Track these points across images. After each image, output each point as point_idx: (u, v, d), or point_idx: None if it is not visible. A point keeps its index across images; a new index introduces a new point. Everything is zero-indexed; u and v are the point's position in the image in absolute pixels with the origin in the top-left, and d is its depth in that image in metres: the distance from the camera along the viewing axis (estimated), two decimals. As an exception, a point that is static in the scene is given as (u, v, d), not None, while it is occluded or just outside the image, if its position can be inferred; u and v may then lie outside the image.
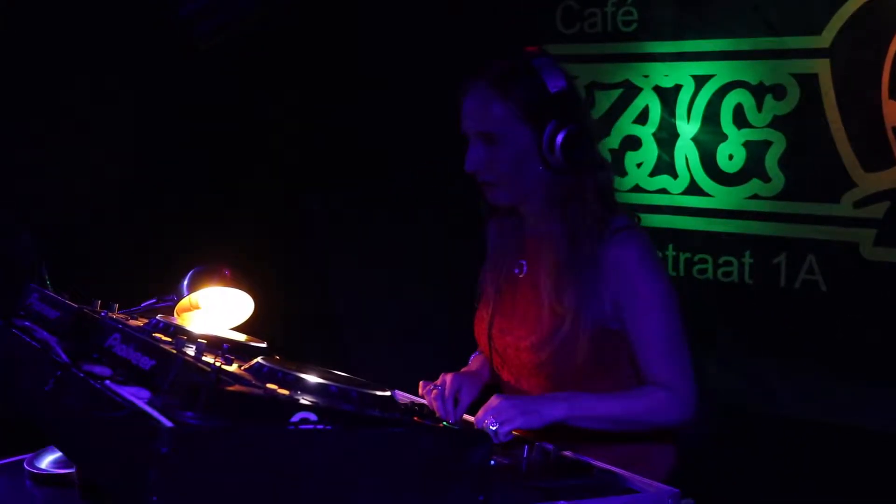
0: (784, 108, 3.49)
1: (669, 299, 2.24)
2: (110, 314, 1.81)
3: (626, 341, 2.22)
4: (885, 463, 3.31)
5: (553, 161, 2.18)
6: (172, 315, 2.12)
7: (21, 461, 2.09)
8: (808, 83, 3.44)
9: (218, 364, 1.33)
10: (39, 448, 2.13)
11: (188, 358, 1.36)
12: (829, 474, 3.47)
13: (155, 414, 1.22)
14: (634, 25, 3.80)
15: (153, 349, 1.43)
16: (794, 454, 3.58)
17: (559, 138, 2.15)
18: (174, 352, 1.39)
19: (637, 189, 3.85)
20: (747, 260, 3.62)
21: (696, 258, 3.72)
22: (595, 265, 2.18)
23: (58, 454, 2.11)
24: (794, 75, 3.47)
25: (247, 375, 1.44)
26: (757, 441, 3.65)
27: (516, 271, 2.35)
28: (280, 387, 1.41)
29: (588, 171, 2.22)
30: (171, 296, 2.20)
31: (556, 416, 2.06)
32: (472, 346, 2.60)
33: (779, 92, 3.50)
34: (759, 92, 3.54)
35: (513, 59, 2.24)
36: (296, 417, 1.30)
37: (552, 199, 2.24)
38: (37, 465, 2.07)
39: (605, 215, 2.21)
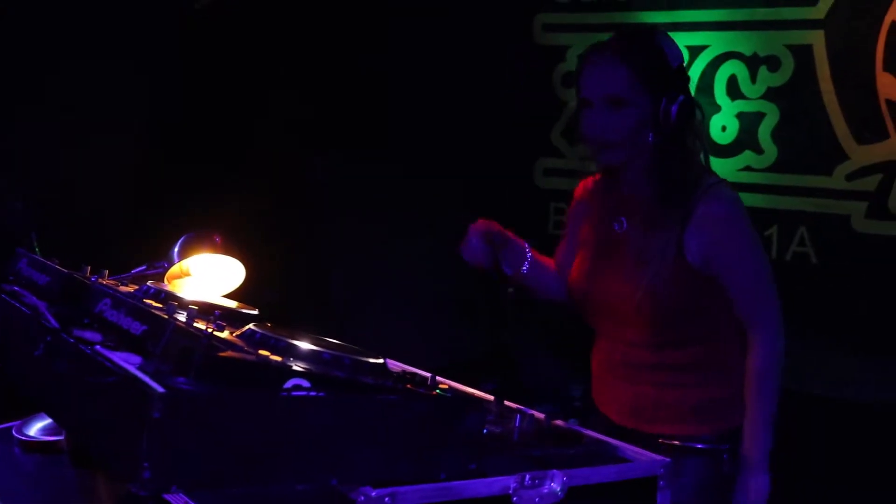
0: (778, 79, 3.49)
1: (757, 248, 2.43)
2: (100, 280, 1.79)
3: (721, 288, 2.36)
4: (874, 434, 3.33)
5: (666, 129, 2.34)
6: (163, 282, 2.10)
7: (10, 428, 2.08)
8: (803, 55, 3.43)
9: (210, 330, 1.31)
10: (28, 415, 2.12)
11: (180, 323, 1.34)
12: (816, 445, 3.49)
13: (146, 379, 1.20)
14: (628, -6, 3.79)
15: (144, 314, 1.41)
16: (782, 425, 3.59)
17: (674, 108, 2.32)
18: (166, 317, 1.37)
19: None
20: (739, 231, 3.62)
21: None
22: (683, 218, 2.33)
23: (46, 421, 2.10)
24: (789, 46, 3.46)
25: (239, 342, 1.43)
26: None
27: (616, 227, 2.47)
28: (272, 353, 1.40)
29: (691, 141, 2.40)
30: (161, 262, 2.18)
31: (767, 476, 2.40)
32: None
33: (773, 63, 3.49)
34: (753, 63, 3.53)
35: (637, 33, 2.43)
36: (289, 384, 1.29)
37: (655, 162, 2.38)
38: (25, 432, 2.06)
39: (698, 177, 2.38)
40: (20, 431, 2.06)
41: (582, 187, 2.65)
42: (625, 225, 2.46)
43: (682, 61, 2.38)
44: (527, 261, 2.55)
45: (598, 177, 2.58)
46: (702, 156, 2.44)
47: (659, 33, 2.39)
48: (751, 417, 2.39)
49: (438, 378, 1.91)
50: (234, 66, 4.44)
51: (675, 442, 2.35)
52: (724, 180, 2.43)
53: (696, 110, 2.40)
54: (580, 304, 2.55)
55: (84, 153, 3.89)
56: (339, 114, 4.60)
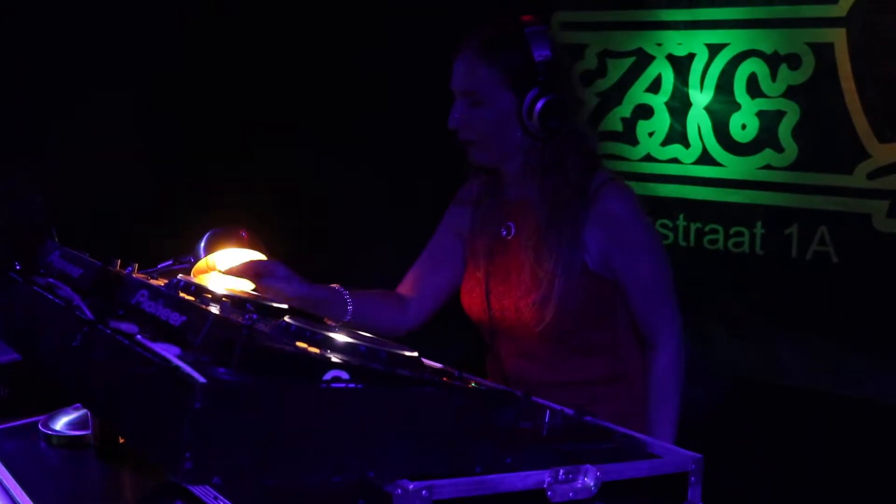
0: (798, 77, 3.48)
1: (657, 246, 2.38)
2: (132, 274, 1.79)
3: (618, 290, 2.32)
4: (894, 435, 3.32)
5: (532, 128, 2.26)
6: (190, 276, 2.10)
7: (36, 423, 2.08)
8: (824, 52, 3.42)
9: (250, 321, 1.31)
10: (54, 409, 2.12)
11: (220, 315, 1.34)
12: (837, 446, 3.48)
13: (188, 369, 1.20)
14: (648, -8, 3.78)
15: (184, 305, 1.41)
16: (802, 425, 3.59)
17: (538, 106, 2.23)
18: (205, 308, 1.37)
19: (648, 158, 3.83)
20: (759, 230, 3.61)
21: (707, 228, 3.71)
22: (580, 219, 2.26)
23: (73, 415, 2.10)
24: (810, 44, 3.44)
25: (275, 333, 1.43)
26: (765, 412, 3.66)
27: (504, 233, 2.39)
28: (309, 345, 1.40)
29: (567, 140, 2.30)
30: (187, 257, 2.18)
31: None
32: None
33: (793, 61, 3.48)
34: (773, 61, 3.52)
35: (504, 25, 2.32)
36: (328, 375, 1.29)
37: (531, 165, 2.32)
38: (52, 426, 2.06)
39: (584, 181, 2.29)
40: (46, 426, 2.05)
41: (464, 190, 2.55)
42: (513, 231, 2.37)
43: (550, 56, 2.25)
44: (347, 311, 2.33)
45: (478, 180, 2.48)
46: (582, 157, 2.30)
47: (527, 25, 2.28)
48: (660, 420, 2.32)
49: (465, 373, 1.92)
50: (252, 66, 4.44)
51: None
52: (617, 177, 2.35)
53: (568, 108, 2.29)
54: (477, 323, 2.45)
55: (102, 149, 3.89)
56: (345, 113, 4.60)
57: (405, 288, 2.54)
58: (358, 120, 4.60)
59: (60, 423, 2.08)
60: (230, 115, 4.33)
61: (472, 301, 2.45)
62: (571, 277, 2.26)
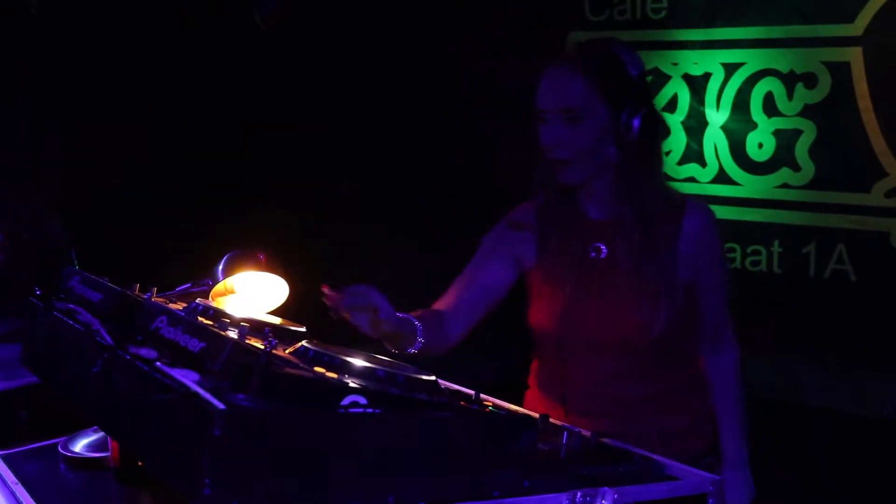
0: (815, 96, 3.47)
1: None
2: (151, 298, 1.80)
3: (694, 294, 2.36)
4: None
5: (629, 142, 2.23)
6: (208, 299, 2.11)
7: (55, 445, 2.09)
8: (840, 71, 3.41)
9: (269, 346, 1.32)
10: (73, 431, 2.13)
11: (238, 341, 1.35)
12: (855, 464, 3.46)
13: (207, 396, 1.21)
14: (664, 13, 3.78)
15: (203, 331, 1.42)
16: (820, 444, 3.57)
17: (636, 121, 2.22)
18: (224, 334, 1.38)
19: (665, 178, 3.82)
20: (776, 249, 3.60)
21: (725, 247, 3.70)
22: (673, 241, 2.28)
23: (92, 437, 2.11)
24: (826, 63, 3.44)
25: (294, 359, 1.43)
26: (784, 430, 3.64)
27: (592, 255, 2.34)
28: (327, 370, 1.41)
29: (654, 155, 2.31)
30: (206, 280, 2.19)
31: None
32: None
33: (810, 80, 3.48)
34: (789, 80, 3.52)
35: (594, 42, 2.33)
36: (346, 401, 1.30)
37: (621, 181, 2.29)
38: (71, 448, 2.07)
39: (671, 193, 2.35)
40: (66, 447, 2.06)
41: (517, 213, 2.46)
42: (604, 252, 2.33)
43: (642, 70, 2.27)
44: (418, 341, 2.20)
45: (537, 202, 2.42)
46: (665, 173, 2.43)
47: (616, 42, 2.29)
48: (735, 414, 2.42)
49: (482, 395, 1.92)
50: (272, 90, 4.45)
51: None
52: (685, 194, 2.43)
53: (659, 124, 2.32)
54: (547, 343, 2.41)
55: (125, 174, 3.91)
56: (345, 113, 4.60)
57: (448, 306, 2.41)
58: (358, 120, 4.59)
59: (80, 445, 2.09)
60: (230, 116, 4.31)
61: (551, 322, 2.37)
62: (677, 290, 2.28)
